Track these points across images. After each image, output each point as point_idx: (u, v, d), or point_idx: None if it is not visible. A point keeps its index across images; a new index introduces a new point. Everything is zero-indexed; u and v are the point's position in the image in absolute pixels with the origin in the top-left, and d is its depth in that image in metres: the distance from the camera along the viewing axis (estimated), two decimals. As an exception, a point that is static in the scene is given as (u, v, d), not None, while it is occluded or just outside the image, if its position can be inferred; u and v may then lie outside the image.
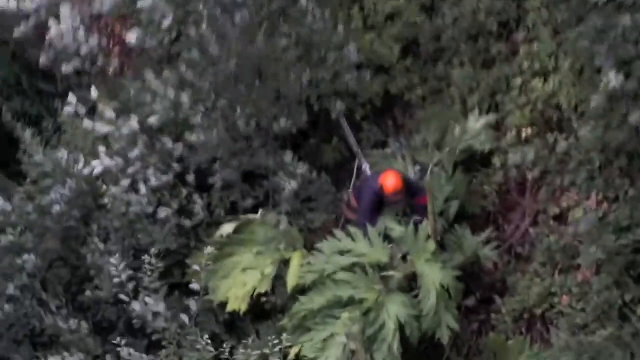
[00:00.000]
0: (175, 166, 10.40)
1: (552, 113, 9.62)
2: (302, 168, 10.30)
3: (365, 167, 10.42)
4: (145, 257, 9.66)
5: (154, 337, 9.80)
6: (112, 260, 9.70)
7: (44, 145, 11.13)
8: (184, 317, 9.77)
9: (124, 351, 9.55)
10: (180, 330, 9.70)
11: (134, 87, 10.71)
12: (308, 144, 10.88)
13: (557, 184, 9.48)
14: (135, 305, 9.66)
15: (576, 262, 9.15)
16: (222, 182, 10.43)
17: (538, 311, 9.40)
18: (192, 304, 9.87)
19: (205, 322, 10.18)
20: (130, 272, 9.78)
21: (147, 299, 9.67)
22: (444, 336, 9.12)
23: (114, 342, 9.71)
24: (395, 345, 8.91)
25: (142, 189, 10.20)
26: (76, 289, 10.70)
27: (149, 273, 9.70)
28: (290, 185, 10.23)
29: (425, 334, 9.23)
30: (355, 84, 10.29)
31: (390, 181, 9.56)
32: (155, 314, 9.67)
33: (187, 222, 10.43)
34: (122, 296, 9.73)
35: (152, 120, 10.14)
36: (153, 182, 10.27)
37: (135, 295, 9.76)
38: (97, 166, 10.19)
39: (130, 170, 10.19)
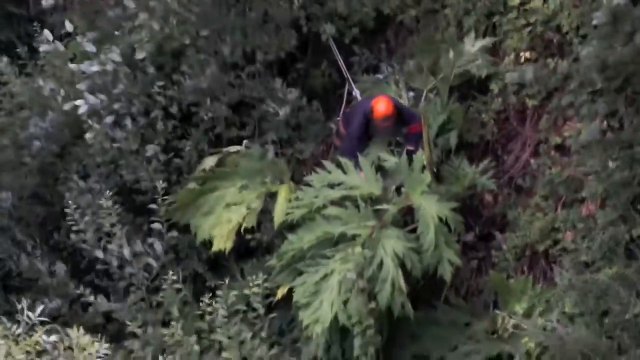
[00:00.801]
0: (161, 100, 10.04)
1: (552, 36, 9.25)
2: (292, 94, 10.04)
3: (356, 93, 10.22)
4: (103, 201, 9.32)
5: (124, 283, 9.57)
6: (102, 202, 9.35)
7: (18, 73, 10.77)
8: (150, 260, 9.51)
9: (93, 297, 9.37)
10: (148, 275, 9.46)
11: (114, 15, 10.42)
12: (296, 69, 10.62)
13: (558, 112, 9.12)
14: (99, 253, 9.42)
15: (580, 195, 8.79)
16: (210, 115, 10.15)
17: (541, 248, 9.06)
18: (157, 245, 9.58)
19: (187, 261, 9.92)
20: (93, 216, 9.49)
21: (109, 245, 9.42)
22: (446, 272, 8.70)
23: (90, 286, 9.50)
24: (401, 281, 8.52)
25: (128, 124, 9.90)
26: (51, 228, 10.40)
27: (106, 216, 9.38)
28: (281, 112, 9.97)
29: (426, 272, 8.85)
30: (346, 5, 10.02)
31: (381, 105, 9.27)
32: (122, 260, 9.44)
33: (177, 160, 10.17)
34: (86, 245, 9.52)
35: (137, 52, 9.85)
36: (138, 117, 10.00)
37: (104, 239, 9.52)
38: (81, 105, 9.86)
39: (115, 106, 9.90)
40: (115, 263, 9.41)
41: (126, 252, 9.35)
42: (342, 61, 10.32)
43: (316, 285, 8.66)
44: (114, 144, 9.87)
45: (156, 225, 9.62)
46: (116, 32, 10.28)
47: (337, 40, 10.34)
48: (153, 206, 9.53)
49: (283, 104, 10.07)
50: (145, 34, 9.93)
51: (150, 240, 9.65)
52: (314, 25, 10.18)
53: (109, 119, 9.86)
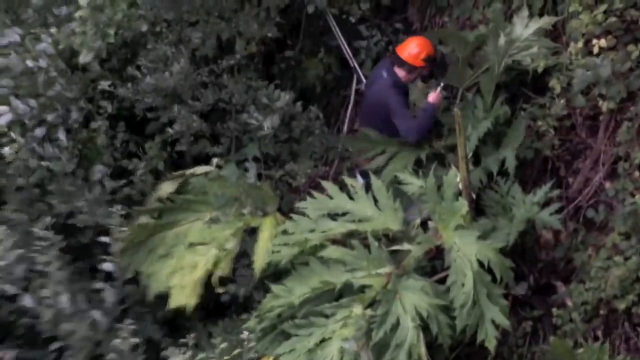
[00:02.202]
0: (106, 106, 8.97)
1: (636, 15, 8.14)
2: (283, 100, 8.94)
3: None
4: (37, 230, 7.97)
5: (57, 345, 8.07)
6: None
7: None
8: (96, 314, 8.04)
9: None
10: (93, 333, 8.00)
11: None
12: (285, 59, 9.60)
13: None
14: (27, 300, 7.90)
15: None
16: (175, 129, 9.03)
17: (621, 305, 7.98)
18: (109, 293, 8.14)
19: (137, 323, 8.39)
20: (20, 251, 8.01)
21: (43, 290, 7.95)
22: (489, 338, 7.60)
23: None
24: (422, 350, 7.43)
25: (62, 137, 8.71)
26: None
27: (44, 251, 7.89)
28: (266, 124, 8.91)
29: (459, 338, 7.84)
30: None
31: (416, 46, 8.53)
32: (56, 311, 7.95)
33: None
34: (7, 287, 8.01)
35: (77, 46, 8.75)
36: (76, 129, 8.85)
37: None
38: (4, 113, 8.71)
39: (50, 117, 8.72)
40: (47, 316, 7.91)
41: (64, 300, 7.88)
42: (346, 46, 9.34)
43: (309, 355, 7.71)
44: (42, 163, 8.61)
45: (107, 266, 8.20)
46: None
47: (338, 19, 9.33)
48: (104, 239, 8.18)
49: (269, 112, 8.95)
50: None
51: (97, 285, 8.28)
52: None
53: (39, 132, 8.69)
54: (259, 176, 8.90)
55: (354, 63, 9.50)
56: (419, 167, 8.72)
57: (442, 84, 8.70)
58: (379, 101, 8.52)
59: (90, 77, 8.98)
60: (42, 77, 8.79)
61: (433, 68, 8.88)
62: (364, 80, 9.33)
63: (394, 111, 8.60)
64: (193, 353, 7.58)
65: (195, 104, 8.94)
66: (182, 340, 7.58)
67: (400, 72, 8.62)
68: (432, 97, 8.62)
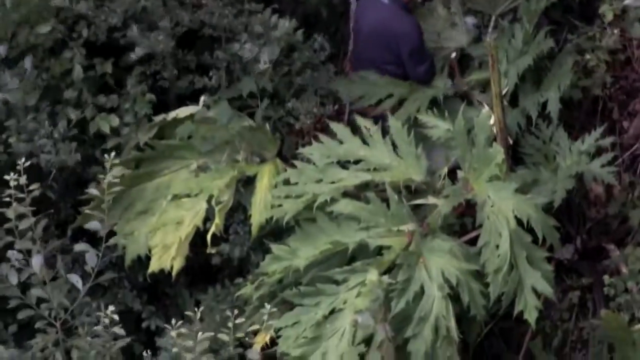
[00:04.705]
0: (81, 30, 8.22)
1: None
2: (282, 28, 8.30)
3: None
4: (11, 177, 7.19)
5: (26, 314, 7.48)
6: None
7: None
8: (75, 279, 7.29)
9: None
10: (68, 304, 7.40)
11: None
12: None
13: None
14: None
15: None
16: (145, 55, 8.24)
17: None
18: (90, 257, 7.30)
19: (112, 290, 8.11)
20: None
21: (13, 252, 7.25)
22: (529, 310, 7.00)
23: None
24: (452, 323, 6.87)
25: (27, 65, 8.07)
26: None
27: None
28: (262, 57, 8.29)
29: (493, 309, 7.27)
30: None
31: None
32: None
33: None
34: None
35: None
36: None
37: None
38: None
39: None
40: (14, 280, 7.29)
41: (36, 262, 7.19)
42: None
43: (316, 328, 7.12)
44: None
45: (93, 225, 7.48)
46: None
47: None
48: (92, 190, 7.47)
49: (267, 41, 8.31)
50: None
51: (77, 247, 7.55)
52: None
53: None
54: (254, 116, 8.30)
55: None
56: (435, 109, 8.10)
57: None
58: (385, 32, 8.05)
59: None
60: None
61: None
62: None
63: (410, 43, 8.05)
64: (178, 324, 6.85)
65: (164, 25, 8.23)
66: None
67: None
68: None
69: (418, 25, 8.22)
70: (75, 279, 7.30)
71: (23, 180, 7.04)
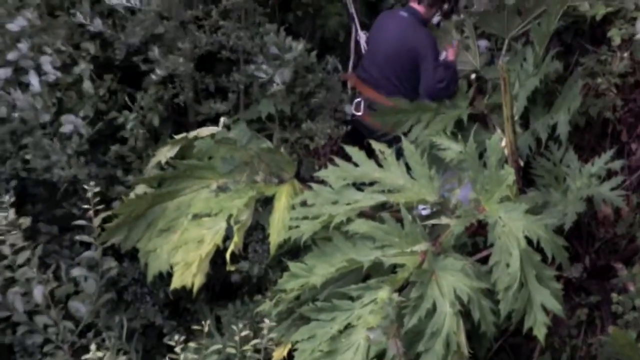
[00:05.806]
0: (89, 46, 8.38)
1: None
2: (296, 49, 8.42)
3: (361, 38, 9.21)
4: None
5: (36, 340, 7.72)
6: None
7: None
8: (77, 305, 7.67)
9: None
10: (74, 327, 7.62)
11: None
12: (301, 5, 9.12)
13: None
14: None
15: None
16: (163, 76, 8.40)
17: None
18: (89, 280, 7.75)
19: (135, 306, 8.31)
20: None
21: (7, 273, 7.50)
22: (539, 327, 7.12)
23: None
24: (462, 339, 7.07)
25: (35, 83, 8.06)
26: None
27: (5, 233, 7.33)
28: (277, 77, 8.42)
29: (503, 326, 7.42)
30: None
31: None
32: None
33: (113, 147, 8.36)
34: None
35: None
36: (51, 74, 8.14)
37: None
38: None
39: (10, 56, 8.08)
40: (21, 308, 7.46)
41: (37, 292, 7.41)
42: None
43: (332, 342, 7.27)
44: (13, 114, 8.10)
45: (88, 253, 7.83)
46: None
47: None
48: (81, 222, 7.69)
49: (282, 63, 8.44)
50: None
51: (76, 272, 7.75)
52: None
53: (5, 72, 8.11)
54: (272, 138, 8.52)
55: (351, 6, 9.10)
56: (459, 130, 8.30)
57: (457, 39, 8.54)
58: (404, 46, 8.27)
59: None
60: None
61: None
62: (359, 30, 8.97)
63: (427, 57, 8.31)
64: (206, 341, 7.30)
65: (184, 47, 8.42)
66: (195, 327, 7.25)
67: (420, 8, 8.43)
68: (452, 53, 8.46)
69: (435, 39, 8.46)
70: (75, 307, 7.59)
71: (12, 215, 7.23)
